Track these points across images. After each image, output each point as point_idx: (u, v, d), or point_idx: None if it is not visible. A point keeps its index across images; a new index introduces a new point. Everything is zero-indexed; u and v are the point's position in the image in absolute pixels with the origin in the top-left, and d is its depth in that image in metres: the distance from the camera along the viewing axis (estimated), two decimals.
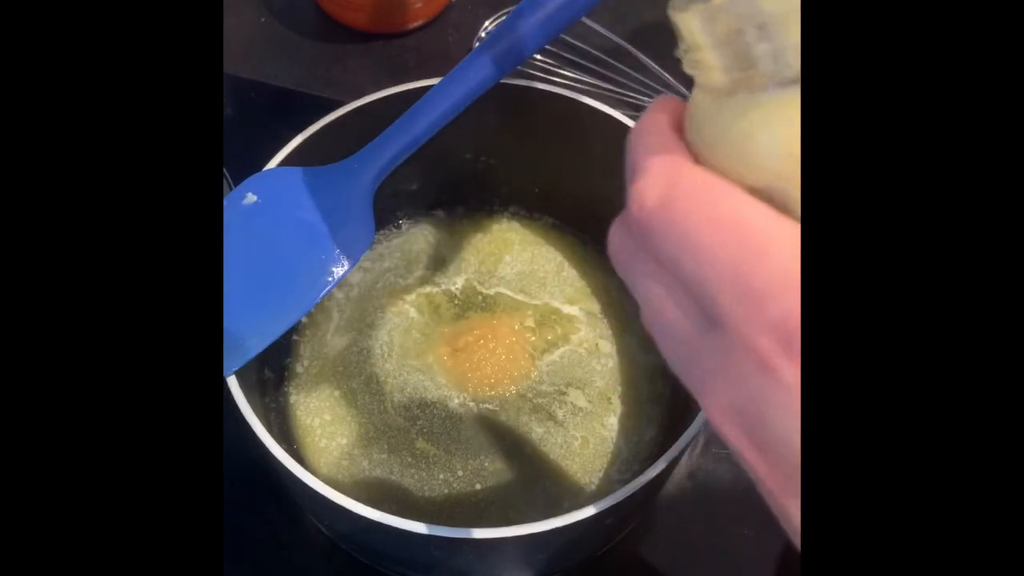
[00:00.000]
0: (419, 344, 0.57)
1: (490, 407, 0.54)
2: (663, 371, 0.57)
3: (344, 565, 0.53)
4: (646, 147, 0.26)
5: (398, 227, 0.62)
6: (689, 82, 0.78)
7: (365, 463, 0.53)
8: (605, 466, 0.53)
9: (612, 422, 0.55)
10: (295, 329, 0.57)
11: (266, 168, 0.49)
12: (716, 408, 0.25)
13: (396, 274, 0.60)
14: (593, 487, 0.53)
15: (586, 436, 0.54)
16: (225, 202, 0.47)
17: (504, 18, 0.74)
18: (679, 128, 0.27)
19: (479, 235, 0.62)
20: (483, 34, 0.74)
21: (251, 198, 0.47)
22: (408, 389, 0.55)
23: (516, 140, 0.57)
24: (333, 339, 0.57)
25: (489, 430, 0.54)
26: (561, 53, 0.72)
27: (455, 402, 0.55)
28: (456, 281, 0.60)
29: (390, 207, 0.60)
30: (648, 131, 0.27)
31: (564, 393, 0.55)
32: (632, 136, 0.27)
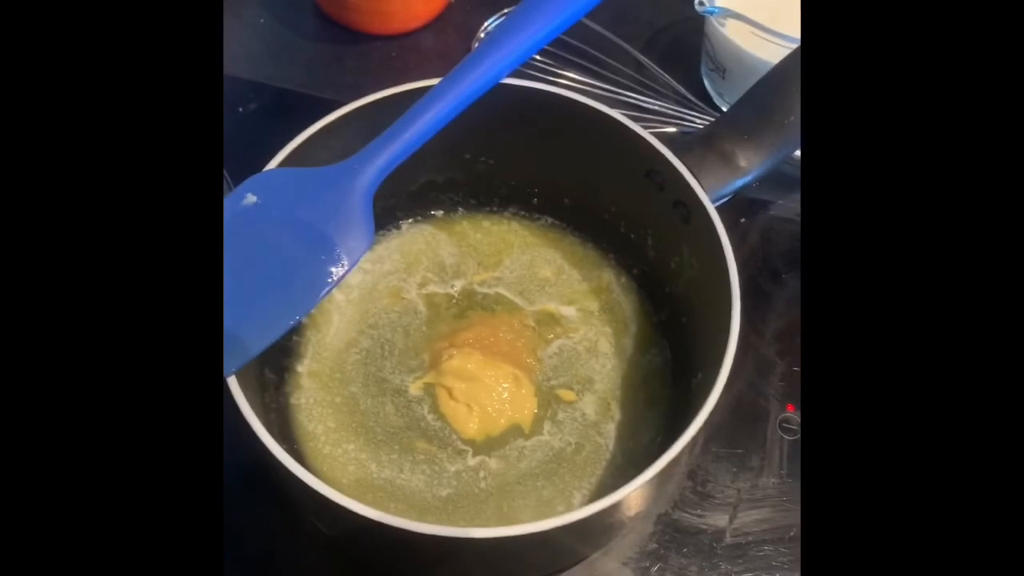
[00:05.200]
0: (419, 344, 0.57)
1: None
2: (661, 373, 0.57)
3: (344, 565, 0.53)
4: None
5: (398, 227, 0.62)
6: (688, 81, 0.78)
7: (374, 466, 0.53)
8: (604, 467, 0.53)
9: (609, 427, 0.55)
10: (295, 330, 0.57)
11: (266, 168, 0.49)
12: None
13: (396, 276, 0.60)
14: (592, 488, 0.53)
15: (584, 438, 0.54)
16: (225, 202, 0.47)
17: (504, 18, 0.75)
18: None
19: (479, 236, 0.62)
20: (483, 34, 0.74)
21: (251, 199, 0.47)
22: (409, 389, 0.55)
23: (516, 140, 0.57)
24: (334, 340, 0.57)
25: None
26: (561, 53, 0.72)
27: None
28: (455, 282, 0.60)
29: (390, 207, 0.60)
30: None
31: (563, 394, 0.55)
32: None
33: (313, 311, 0.58)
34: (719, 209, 0.49)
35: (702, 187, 0.50)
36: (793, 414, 0.58)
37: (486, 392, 0.54)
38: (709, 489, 0.56)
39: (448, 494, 0.52)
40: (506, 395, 0.54)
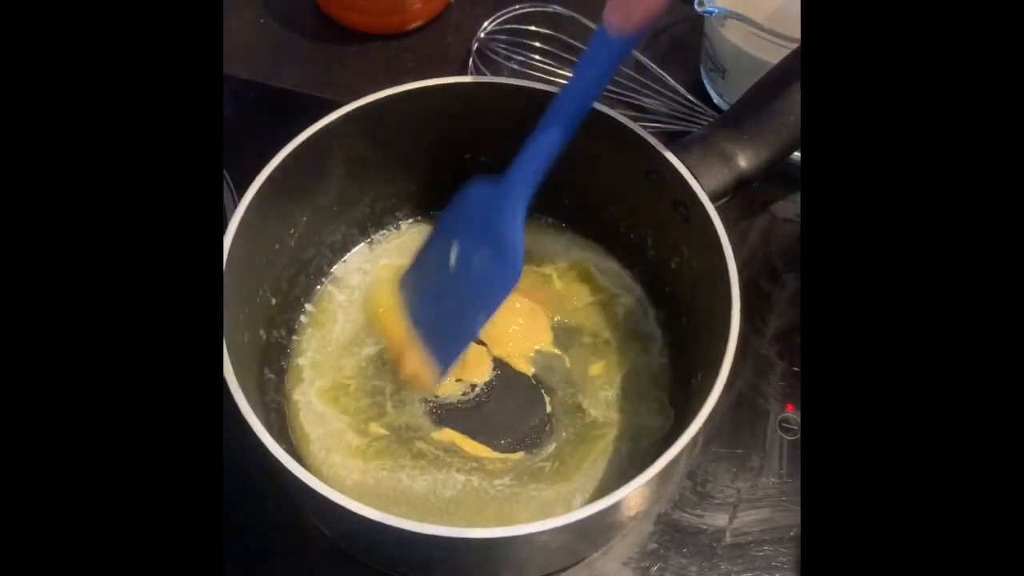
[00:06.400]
0: None
1: (490, 407, 0.54)
2: (661, 373, 0.57)
3: (344, 565, 0.53)
4: None
5: (398, 228, 0.62)
6: (688, 81, 0.78)
7: (374, 466, 0.53)
8: (603, 467, 0.53)
9: (609, 427, 0.55)
10: (296, 330, 0.57)
11: (265, 168, 0.49)
12: None
13: (397, 275, 0.60)
14: (592, 488, 0.53)
15: (584, 438, 0.54)
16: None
17: (502, 19, 0.75)
18: None
19: None
20: (482, 34, 0.74)
21: (454, 254, 0.51)
22: (409, 389, 0.55)
23: (516, 140, 0.57)
24: (334, 340, 0.57)
25: (490, 431, 0.54)
26: (561, 53, 0.72)
27: (456, 402, 0.55)
28: None
29: (390, 207, 0.60)
30: None
31: (563, 394, 0.55)
32: None
33: (314, 311, 0.58)
34: (719, 209, 0.49)
35: (702, 187, 0.50)
36: (793, 414, 0.58)
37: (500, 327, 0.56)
38: (709, 489, 0.56)
39: (449, 495, 0.52)
40: (522, 321, 0.57)
